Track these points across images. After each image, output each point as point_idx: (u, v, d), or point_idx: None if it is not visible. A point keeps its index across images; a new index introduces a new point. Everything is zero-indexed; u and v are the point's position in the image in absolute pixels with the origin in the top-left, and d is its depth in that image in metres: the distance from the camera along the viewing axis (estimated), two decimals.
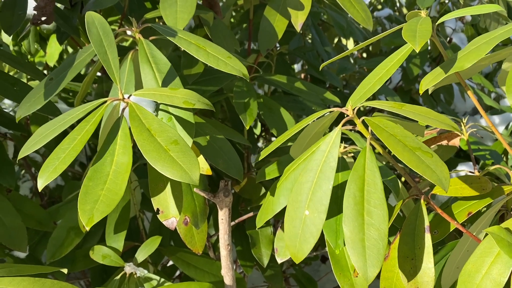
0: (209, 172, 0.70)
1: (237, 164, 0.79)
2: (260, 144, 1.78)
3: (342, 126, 0.56)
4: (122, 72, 0.74)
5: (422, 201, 0.60)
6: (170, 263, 1.30)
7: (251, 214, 1.00)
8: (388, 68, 0.60)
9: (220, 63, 0.72)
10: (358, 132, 0.72)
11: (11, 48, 1.69)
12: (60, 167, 0.59)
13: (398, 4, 2.47)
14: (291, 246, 0.57)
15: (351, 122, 0.62)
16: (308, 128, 0.66)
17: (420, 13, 0.62)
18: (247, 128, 0.92)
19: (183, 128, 0.68)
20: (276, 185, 0.67)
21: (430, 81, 0.62)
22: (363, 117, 0.56)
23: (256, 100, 0.99)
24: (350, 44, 2.29)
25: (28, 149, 0.65)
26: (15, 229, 0.94)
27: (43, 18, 0.96)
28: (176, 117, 0.69)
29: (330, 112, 0.61)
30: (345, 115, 0.59)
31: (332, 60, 0.76)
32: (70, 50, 1.94)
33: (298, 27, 0.93)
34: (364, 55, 2.45)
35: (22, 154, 0.65)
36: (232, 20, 1.85)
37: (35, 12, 0.97)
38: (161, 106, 0.69)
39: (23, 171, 1.57)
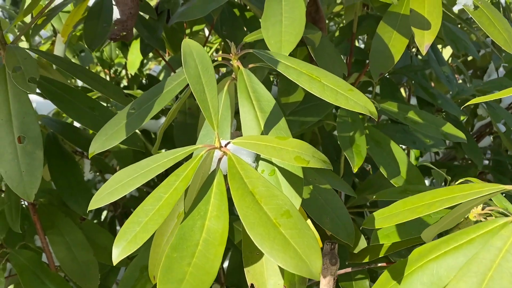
0: (320, 244, 0.56)
1: (348, 225, 0.64)
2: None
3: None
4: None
5: None
6: None
7: (348, 269, 0.85)
8: None
9: (340, 97, 0.56)
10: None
11: (93, 54, 1.65)
12: (141, 236, 0.48)
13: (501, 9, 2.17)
14: None
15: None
16: (457, 208, 0.49)
17: None
18: (355, 171, 0.76)
19: (290, 184, 0.55)
20: (401, 270, 0.51)
21: None
22: None
23: (363, 133, 0.83)
24: (445, 52, 2.05)
25: (101, 200, 0.54)
26: (87, 265, 0.86)
27: (122, 34, 0.86)
28: (280, 169, 0.56)
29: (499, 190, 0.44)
30: None
31: (483, 100, 0.59)
32: (150, 54, 1.89)
33: (423, 50, 0.76)
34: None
35: (92, 205, 0.54)
36: None
37: (115, 26, 0.87)
38: (262, 155, 0.56)
39: (97, 173, 1.52)
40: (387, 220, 0.52)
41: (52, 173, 0.94)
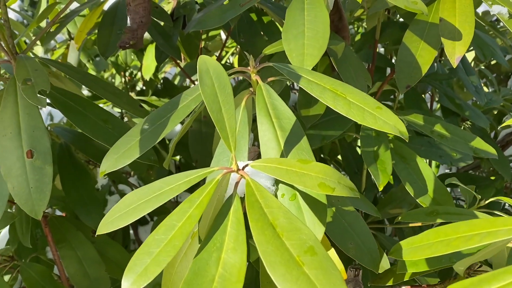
0: (344, 276, 0.52)
1: (373, 250, 0.60)
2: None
3: None
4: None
5: None
6: None
7: None
8: None
9: (367, 116, 0.52)
10: None
11: (108, 59, 1.63)
12: (152, 270, 0.44)
13: None
14: None
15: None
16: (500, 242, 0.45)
17: None
18: (380, 189, 0.72)
19: (312, 210, 0.51)
20: None
21: None
22: None
23: (388, 148, 0.78)
24: (467, 56, 1.98)
25: (110, 224, 0.51)
26: (98, 280, 0.83)
27: (132, 42, 0.83)
28: (302, 193, 0.52)
29: None
30: None
31: None
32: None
33: (454, 62, 0.71)
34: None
35: (101, 230, 0.51)
36: None
37: (125, 34, 0.84)
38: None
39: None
40: (417, 252, 0.48)
41: (63, 184, 0.92)
